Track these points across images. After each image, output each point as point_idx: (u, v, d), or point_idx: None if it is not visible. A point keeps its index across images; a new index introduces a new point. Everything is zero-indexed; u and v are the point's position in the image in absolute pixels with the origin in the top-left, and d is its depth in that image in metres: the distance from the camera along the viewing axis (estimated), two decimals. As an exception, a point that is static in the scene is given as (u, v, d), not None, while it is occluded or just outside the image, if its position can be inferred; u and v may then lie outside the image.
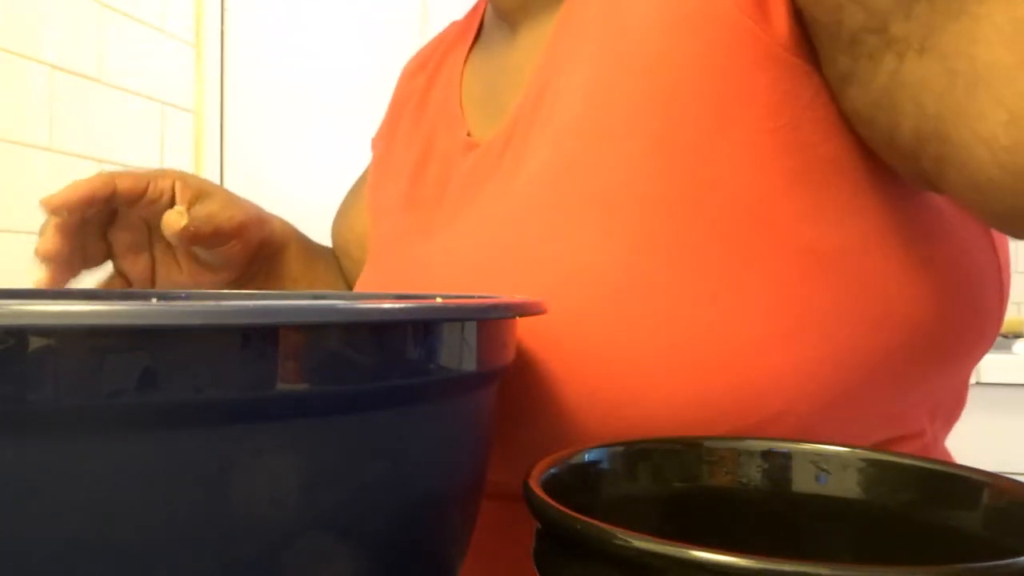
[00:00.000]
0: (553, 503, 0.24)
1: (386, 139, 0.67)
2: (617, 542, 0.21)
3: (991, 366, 1.55)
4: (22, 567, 0.21)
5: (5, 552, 0.21)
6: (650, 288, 0.39)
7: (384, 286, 0.54)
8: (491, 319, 0.30)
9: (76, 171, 1.41)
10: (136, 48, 1.54)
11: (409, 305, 0.25)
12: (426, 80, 0.64)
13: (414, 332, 0.26)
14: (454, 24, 0.68)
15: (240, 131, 1.79)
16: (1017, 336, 1.90)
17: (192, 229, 0.57)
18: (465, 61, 0.61)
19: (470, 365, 0.29)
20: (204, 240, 0.59)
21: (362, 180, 0.74)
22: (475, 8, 0.65)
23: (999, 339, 1.91)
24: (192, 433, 0.22)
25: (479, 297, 0.36)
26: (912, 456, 0.30)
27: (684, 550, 0.20)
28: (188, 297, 0.52)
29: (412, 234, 0.55)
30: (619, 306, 0.39)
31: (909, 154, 0.38)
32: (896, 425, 0.44)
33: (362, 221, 0.69)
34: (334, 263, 0.75)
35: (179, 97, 1.64)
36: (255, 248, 0.64)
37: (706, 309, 0.38)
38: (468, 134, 0.55)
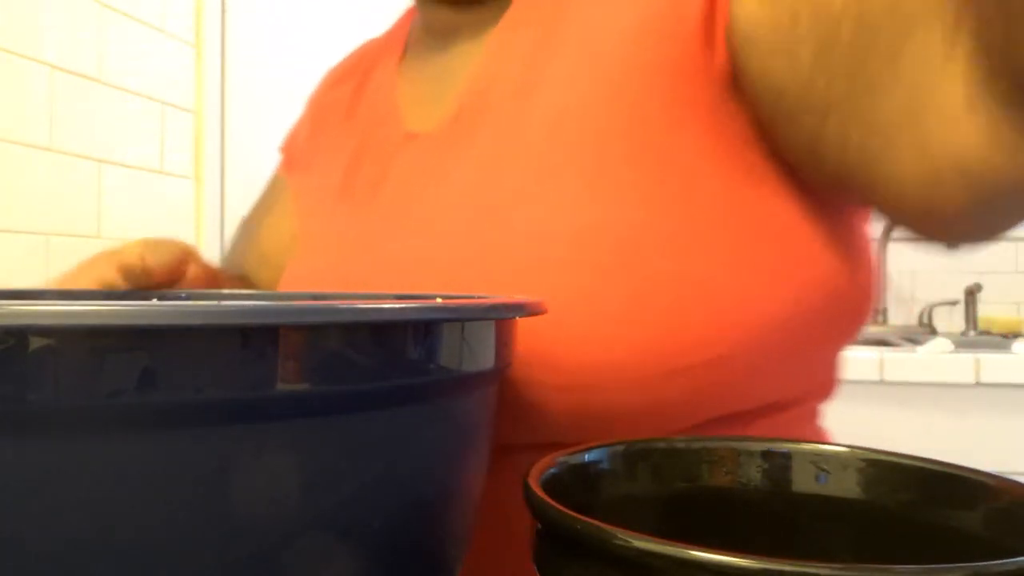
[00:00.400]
0: (553, 503, 0.24)
1: (308, 143, 0.68)
2: (617, 542, 0.21)
3: (991, 366, 1.55)
4: (22, 567, 0.21)
5: (5, 552, 0.21)
6: (631, 263, 0.43)
7: (340, 279, 0.54)
8: (493, 319, 0.30)
9: (76, 171, 1.41)
10: (136, 48, 1.54)
11: (413, 305, 0.25)
12: (353, 89, 0.66)
13: (415, 332, 0.26)
14: (373, 40, 0.71)
15: (240, 131, 1.79)
16: (1017, 336, 1.91)
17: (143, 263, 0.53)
18: (398, 67, 0.63)
19: (471, 365, 0.29)
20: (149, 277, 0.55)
21: (273, 191, 0.73)
22: (400, 22, 0.68)
23: (999, 339, 1.91)
24: (192, 433, 0.22)
25: (479, 297, 0.36)
26: (912, 456, 0.30)
27: (684, 550, 0.20)
28: (188, 297, 0.52)
29: (355, 225, 0.56)
30: (602, 281, 0.42)
31: (834, 148, 0.43)
32: (790, 386, 0.49)
33: (287, 228, 0.68)
34: (251, 284, 0.73)
35: (179, 97, 1.64)
36: (211, 278, 0.62)
37: (683, 270, 0.43)
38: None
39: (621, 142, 0.45)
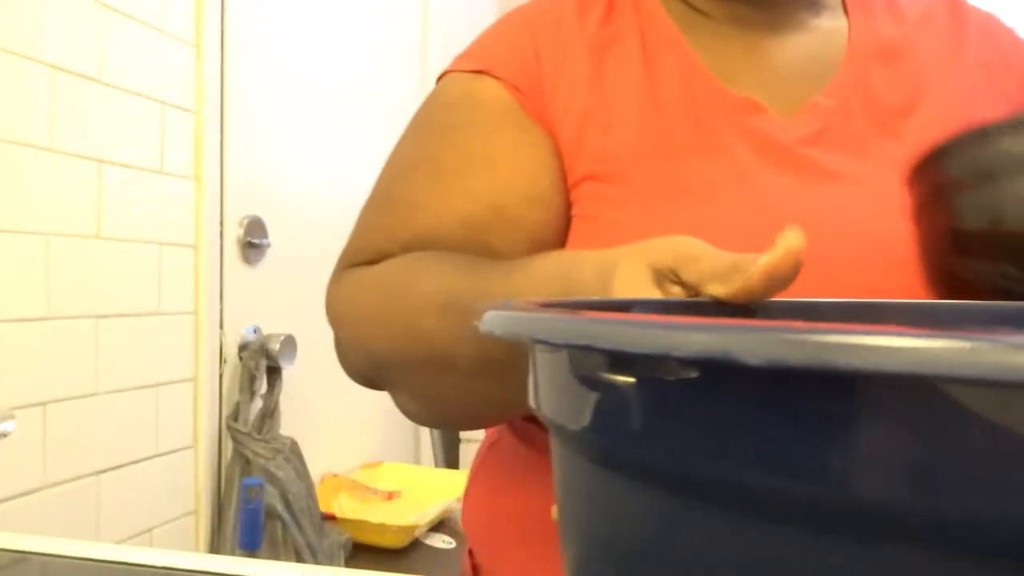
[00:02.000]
0: None
1: (586, 76, 0.66)
2: None
3: (990, 366, 1.55)
4: None
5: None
6: None
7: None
8: None
9: (76, 171, 1.41)
10: (136, 48, 1.54)
11: None
12: (638, 36, 0.68)
13: None
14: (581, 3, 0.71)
15: (240, 131, 1.79)
16: (1016, 336, 1.90)
17: None
18: (683, 41, 0.68)
19: None
20: None
21: (508, 124, 0.67)
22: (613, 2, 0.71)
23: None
24: None
25: None
26: None
27: None
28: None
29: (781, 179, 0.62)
30: None
31: None
32: None
33: (553, 167, 0.65)
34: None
35: (179, 97, 1.63)
36: None
37: None
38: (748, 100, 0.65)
39: None
